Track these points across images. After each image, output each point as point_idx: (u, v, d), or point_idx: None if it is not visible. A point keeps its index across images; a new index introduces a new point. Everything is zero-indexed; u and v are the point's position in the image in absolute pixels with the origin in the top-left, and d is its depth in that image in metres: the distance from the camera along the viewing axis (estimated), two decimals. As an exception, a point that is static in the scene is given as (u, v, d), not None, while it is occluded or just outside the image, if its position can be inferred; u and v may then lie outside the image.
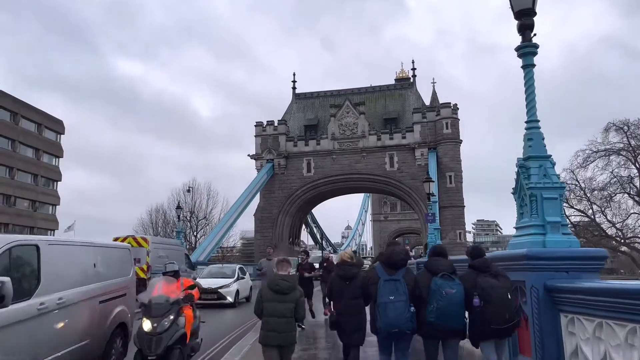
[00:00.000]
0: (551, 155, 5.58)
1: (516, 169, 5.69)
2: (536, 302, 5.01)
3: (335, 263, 8.47)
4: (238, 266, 23.46)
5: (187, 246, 52.77)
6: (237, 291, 20.32)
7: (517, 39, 5.82)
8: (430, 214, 21.36)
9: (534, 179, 5.42)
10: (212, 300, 19.19)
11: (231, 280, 20.54)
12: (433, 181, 22.84)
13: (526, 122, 5.74)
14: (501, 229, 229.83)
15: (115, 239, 22.65)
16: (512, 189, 5.85)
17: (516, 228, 5.76)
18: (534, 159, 5.53)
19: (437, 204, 38.33)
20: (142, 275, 19.32)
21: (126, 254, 8.87)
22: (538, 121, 5.70)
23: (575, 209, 46.78)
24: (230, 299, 19.64)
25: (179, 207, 35.85)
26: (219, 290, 19.53)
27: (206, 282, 19.87)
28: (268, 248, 10.57)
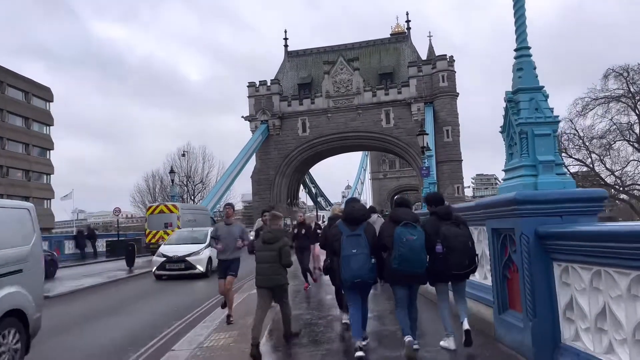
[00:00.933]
0: (544, 87, 4.92)
1: (504, 104, 5.03)
2: (527, 250, 4.47)
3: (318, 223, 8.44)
4: (211, 229, 20.32)
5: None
6: (210, 259, 17.04)
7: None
8: (424, 168, 20.77)
9: (524, 114, 4.79)
10: (179, 270, 16.81)
11: (202, 246, 17.48)
12: (427, 134, 22.13)
13: (515, 49, 5.05)
14: (500, 182, 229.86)
15: (149, 209, 27.67)
16: (500, 127, 5.22)
17: (505, 171, 5.18)
18: (524, 91, 4.87)
19: (434, 158, 37.75)
20: None
21: (24, 216, 6.52)
22: (529, 48, 5.00)
23: (574, 158, 46.19)
24: (200, 268, 16.93)
25: (172, 172, 35.29)
26: (187, 258, 16.99)
27: (172, 250, 17.49)
28: (227, 208, 8.43)
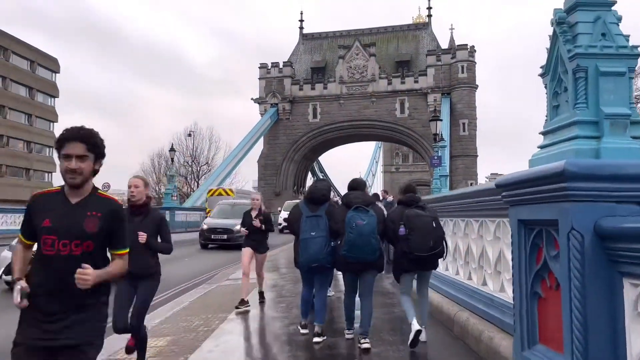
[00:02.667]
0: (615, 2, 3.15)
1: (551, 30, 3.27)
2: (578, 256, 2.73)
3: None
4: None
5: (184, 192, 51.23)
6: None
7: None
8: (435, 157, 18.90)
9: (583, 41, 3.02)
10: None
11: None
12: (441, 120, 20.25)
13: (574, -55, 3.24)
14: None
15: (209, 192, 32.30)
16: (541, 67, 3.45)
17: (545, 133, 3.42)
18: (585, 6, 3.09)
19: (448, 150, 35.76)
20: None
21: None
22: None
23: None
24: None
25: (172, 149, 33.81)
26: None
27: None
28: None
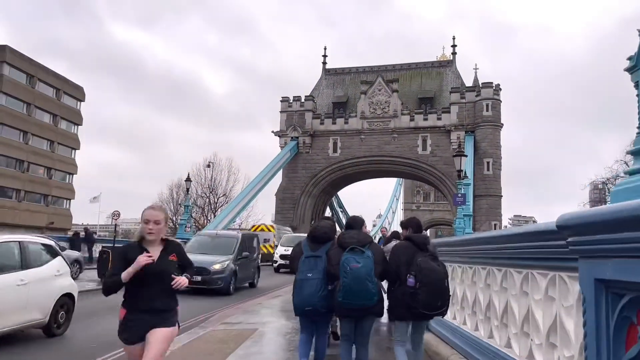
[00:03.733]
0: None
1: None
2: None
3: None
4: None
5: (201, 223, 50.49)
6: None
7: None
8: (459, 195, 17.71)
9: None
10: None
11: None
12: (466, 156, 19.14)
13: None
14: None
15: (253, 227, 35.75)
16: (629, 59, 2.42)
17: (634, 153, 2.35)
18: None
19: (471, 189, 34.40)
20: (271, 250, 31.75)
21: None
22: None
23: None
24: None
25: (188, 179, 33.23)
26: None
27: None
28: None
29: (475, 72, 57.86)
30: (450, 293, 5.44)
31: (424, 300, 4.74)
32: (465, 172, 26.72)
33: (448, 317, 6.73)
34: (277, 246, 30.07)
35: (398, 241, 10.46)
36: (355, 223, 5.49)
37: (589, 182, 51.69)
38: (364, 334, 5.18)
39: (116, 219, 27.64)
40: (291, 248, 19.44)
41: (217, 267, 15.34)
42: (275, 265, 24.36)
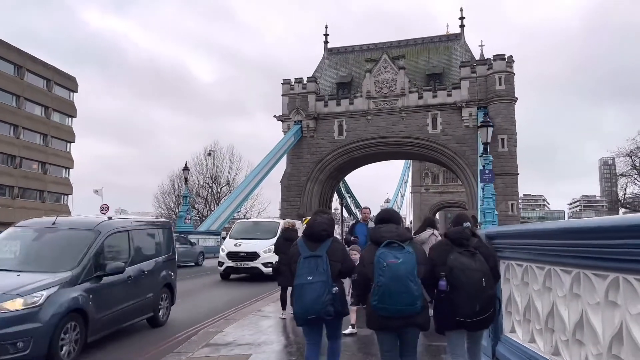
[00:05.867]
0: None
1: None
2: None
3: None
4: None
5: (204, 214, 48.57)
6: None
7: None
8: (487, 172, 15.53)
9: None
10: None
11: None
12: (492, 126, 16.90)
13: None
14: (549, 204, 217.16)
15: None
16: None
17: None
18: None
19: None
20: None
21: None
22: None
23: None
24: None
25: (186, 168, 31.21)
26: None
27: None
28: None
29: (481, 49, 55.32)
30: (503, 296, 4.79)
31: (457, 305, 4.17)
32: (486, 147, 24.48)
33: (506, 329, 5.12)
34: (224, 239, 23.33)
35: (432, 230, 8.51)
36: (392, 217, 4.65)
37: (599, 158, 49.53)
38: (408, 351, 4.37)
39: (105, 214, 25.54)
40: (243, 241, 17.13)
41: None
42: (220, 268, 17.66)
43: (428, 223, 8.71)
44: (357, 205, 73.76)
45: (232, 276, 17.77)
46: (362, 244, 8.90)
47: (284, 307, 9.34)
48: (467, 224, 4.70)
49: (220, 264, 17.87)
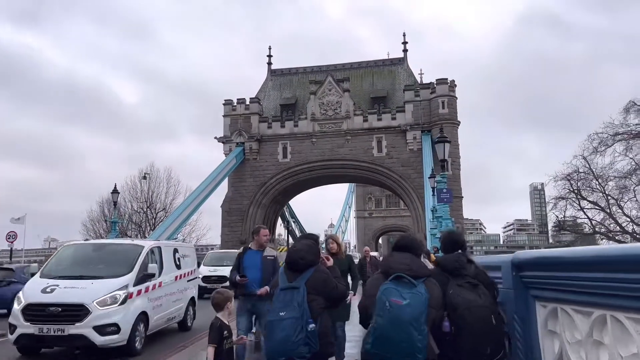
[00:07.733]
0: None
1: None
2: None
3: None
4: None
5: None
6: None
7: None
8: (445, 191, 14.51)
9: None
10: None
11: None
12: (449, 141, 16.03)
13: None
14: (485, 227, 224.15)
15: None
16: None
17: None
18: None
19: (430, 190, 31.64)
20: None
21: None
22: None
23: (588, 200, 41.53)
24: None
25: (115, 191, 28.51)
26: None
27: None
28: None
29: (421, 77, 56.17)
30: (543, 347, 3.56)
31: (463, 349, 3.45)
32: (432, 169, 23.77)
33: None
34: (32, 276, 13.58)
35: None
36: (411, 245, 3.91)
37: (529, 183, 51.21)
38: None
39: (12, 242, 22.39)
40: (61, 282, 10.31)
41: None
42: (12, 337, 9.89)
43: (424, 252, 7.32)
44: (302, 230, 72.09)
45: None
46: (255, 281, 6.85)
47: None
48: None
49: (12, 328, 9.42)
